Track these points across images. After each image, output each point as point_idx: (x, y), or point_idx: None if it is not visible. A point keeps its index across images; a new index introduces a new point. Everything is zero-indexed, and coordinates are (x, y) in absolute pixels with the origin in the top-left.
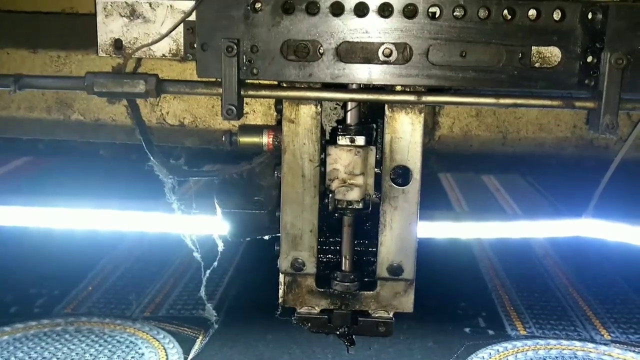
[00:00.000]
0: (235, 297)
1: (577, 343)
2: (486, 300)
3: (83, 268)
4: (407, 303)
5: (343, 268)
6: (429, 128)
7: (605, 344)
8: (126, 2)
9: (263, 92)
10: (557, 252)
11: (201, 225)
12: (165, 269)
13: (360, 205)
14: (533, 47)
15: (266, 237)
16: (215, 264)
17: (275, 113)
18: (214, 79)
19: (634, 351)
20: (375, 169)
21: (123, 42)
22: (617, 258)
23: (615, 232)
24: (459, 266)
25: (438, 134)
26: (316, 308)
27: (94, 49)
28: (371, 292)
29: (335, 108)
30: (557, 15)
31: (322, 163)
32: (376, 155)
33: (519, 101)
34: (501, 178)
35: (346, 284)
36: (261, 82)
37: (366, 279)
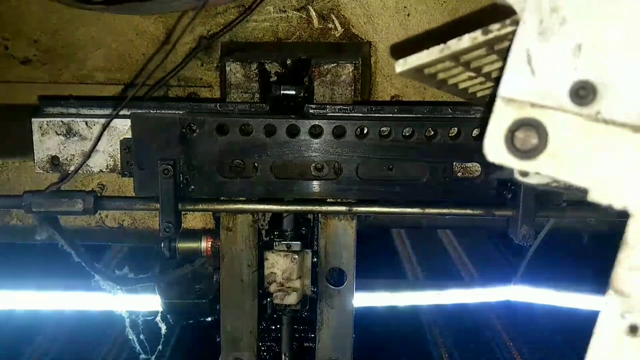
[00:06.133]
0: None
1: None
2: None
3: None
4: None
5: None
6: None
7: None
8: (62, 121)
9: (201, 206)
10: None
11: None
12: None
13: (298, 307)
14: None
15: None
16: (160, 347)
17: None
18: (151, 195)
19: None
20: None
21: (60, 159)
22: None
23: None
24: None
25: None
26: None
27: (31, 156)
28: None
29: None
30: (476, 133)
31: (260, 265)
32: (312, 257)
33: (443, 210)
34: None
35: None
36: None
37: None
